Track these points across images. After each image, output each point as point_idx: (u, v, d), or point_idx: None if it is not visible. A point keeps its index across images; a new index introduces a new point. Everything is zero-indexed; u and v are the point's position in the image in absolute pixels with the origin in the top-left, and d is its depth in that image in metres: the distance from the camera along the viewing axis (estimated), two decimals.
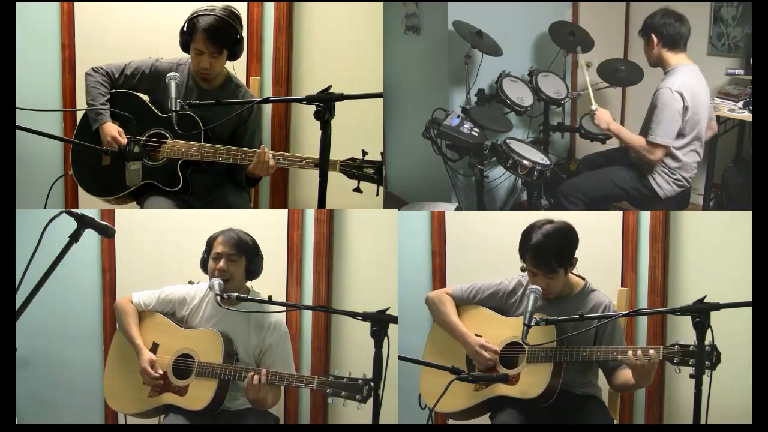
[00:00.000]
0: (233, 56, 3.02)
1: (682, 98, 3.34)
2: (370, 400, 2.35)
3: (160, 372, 2.81)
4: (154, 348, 2.87)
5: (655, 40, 3.42)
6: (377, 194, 2.77)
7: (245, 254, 2.83)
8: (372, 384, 2.29)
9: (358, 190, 2.74)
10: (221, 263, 2.80)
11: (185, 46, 2.98)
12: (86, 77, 3.09)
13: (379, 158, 2.79)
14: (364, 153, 2.67)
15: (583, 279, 2.75)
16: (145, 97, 3.11)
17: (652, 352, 2.45)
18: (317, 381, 2.60)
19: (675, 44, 3.42)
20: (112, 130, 3.01)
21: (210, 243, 2.86)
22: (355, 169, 2.79)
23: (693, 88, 3.38)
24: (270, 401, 2.77)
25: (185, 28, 2.95)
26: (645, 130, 3.47)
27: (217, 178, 3.14)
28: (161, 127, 3.03)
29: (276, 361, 2.82)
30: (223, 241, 2.82)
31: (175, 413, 2.80)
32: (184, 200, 3.11)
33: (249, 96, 3.12)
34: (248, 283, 2.91)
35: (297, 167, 2.96)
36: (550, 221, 2.66)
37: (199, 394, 2.75)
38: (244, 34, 3.09)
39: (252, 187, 3.19)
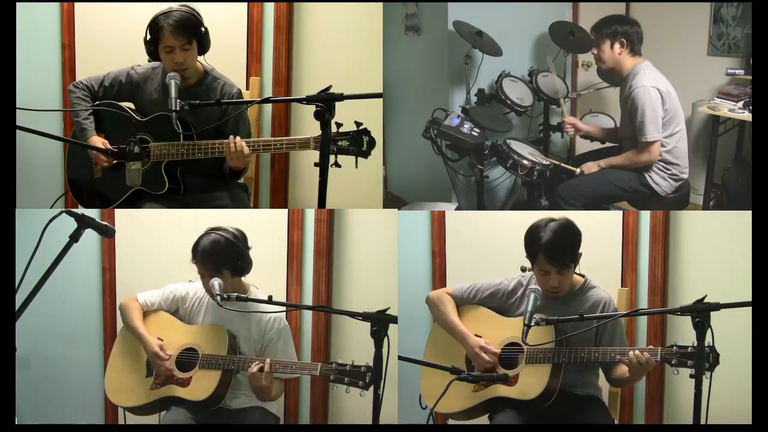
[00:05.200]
0: (202, 49, 3.02)
1: (659, 91, 3.46)
2: (371, 392, 2.34)
3: (170, 353, 2.83)
4: None
5: (625, 43, 3.55)
6: (356, 166, 2.69)
7: (222, 263, 2.78)
8: (374, 371, 2.31)
9: (336, 164, 2.62)
10: (204, 279, 2.81)
11: (153, 53, 2.99)
12: (68, 94, 3.12)
13: (354, 127, 2.69)
14: (338, 125, 2.60)
15: (583, 276, 2.76)
16: (132, 105, 3.12)
17: (646, 354, 2.46)
18: (320, 368, 2.61)
19: (638, 50, 3.58)
20: (97, 142, 3.03)
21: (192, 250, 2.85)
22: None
23: (661, 80, 3.53)
24: (274, 393, 2.79)
25: (148, 35, 2.96)
26: (628, 132, 3.59)
27: (215, 179, 3.14)
28: (143, 132, 3.04)
29: (277, 355, 2.83)
30: (199, 250, 2.80)
31: (176, 406, 2.81)
32: (180, 201, 3.11)
33: (228, 85, 3.10)
34: (246, 282, 2.92)
35: (274, 151, 2.94)
36: (552, 219, 2.67)
37: (202, 385, 2.77)
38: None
39: (236, 179, 3.17)
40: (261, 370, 2.67)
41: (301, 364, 2.73)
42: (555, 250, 2.61)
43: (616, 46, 3.55)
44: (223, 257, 2.77)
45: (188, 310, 2.96)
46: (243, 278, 2.89)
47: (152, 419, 3.01)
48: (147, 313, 2.98)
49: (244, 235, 2.87)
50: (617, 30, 3.56)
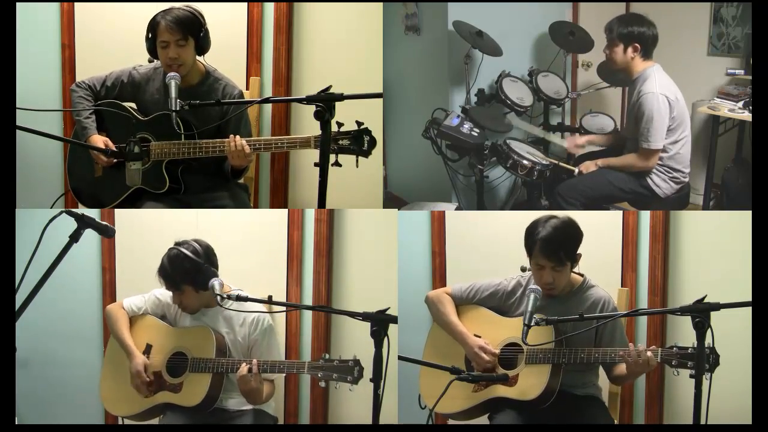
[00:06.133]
0: (200, 49, 3.01)
1: (667, 99, 3.43)
2: (370, 392, 2.34)
3: (150, 377, 2.84)
4: (147, 349, 2.90)
5: (639, 48, 3.50)
6: (357, 165, 2.69)
7: (181, 280, 2.79)
8: (362, 365, 2.36)
9: (336, 164, 2.62)
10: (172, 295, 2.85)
11: (152, 50, 3.00)
12: (71, 93, 3.13)
13: (354, 127, 2.70)
14: (339, 125, 2.60)
15: (582, 275, 2.76)
16: (134, 105, 3.13)
17: (649, 354, 2.45)
18: (308, 365, 2.61)
19: (650, 53, 3.53)
20: (98, 141, 3.03)
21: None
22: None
23: (670, 86, 3.49)
24: (264, 395, 2.79)
25: (148, 33, 2.97)
26: (632, 134, 3.57)
27: (215, 179, 3.14)
28: (144, 131, 3.04)
29: (263, 355, 2.83)
30: (159, 267, 2.81)
31: (172, 412, 2.82)
32: (180, 200, 3.12)
33: (230, 86, 3.10)
34: (228, 286, 2.89)
35: (275, 150, 2.93)
36: (554, 216, 2.67)
37: (193, 390, 2.77)
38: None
39: (237, 179, 3.17)
40: (249, 371, 2.66)
41: (289, 363, 2.72)
42: (551, 244, 2.61)
43: (629, 50, 3.50)
44: (182, 274, 2.76)
45: (174, 315, 2.96)
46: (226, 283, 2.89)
47: (151, 422, 3.01)
48: (134, 318, 2.99)
49: (209, 250, 2.83)
50: (633, 32, 3.48)
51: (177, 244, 2.81)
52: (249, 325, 2.85)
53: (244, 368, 2.66)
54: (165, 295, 2.97)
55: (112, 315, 2.99)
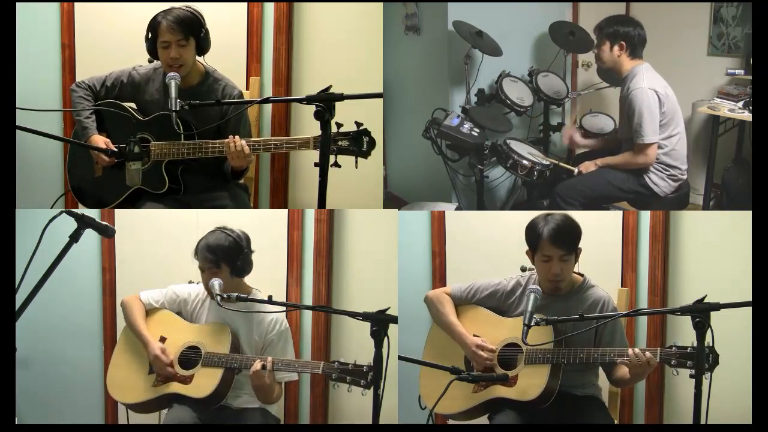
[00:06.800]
0: (201, 49, 3.02)
1: (656, 93, 3.46)
2: (371, 392, 2.36)
3: (171, 358, 2.86)
4: (161, 341, 2.92)
5: (625, 46, 3.55)
6: (356, 167, 2.70)
7: (222, 258, 2.82)
8: (374, 371, 2.32)
9: (336, 164, 2.63)
10: (204, 274, 2.84)
11: (152, 50, 3.00)
12: (71, 93, 3.14)
13: (354, 128, 2.70)
14: (339, 125, 2.60)
15: (582, 275, 2.76)
16: (134, 105, 3.13)
17: (648, 354, 2.45)
18: (323, 366, 2.63)
19: (638, 52, 3.58)
20: (98, 141, 3.03)
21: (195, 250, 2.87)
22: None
23: (659, 82, 3.53)
24: (275, 394, 2.81)
25: (148, 33, 2.97)
26: (627, 134, 3.58)
27: (214, 180, 3.14)
28: (143, 131, 3.04)
29: (277, 356, 2.83)
30: (202, 244, 2.84)
31: (179, 403, 2.83)
32: (180, 201, 3.12)
33: (230, 87, 3.10)
34: (249, 285, 2.94)
35: (275, 151, 2.93)
36: (551, 213, 2.68)
37: (204, 382, 2.79)
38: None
39: (237, 179, 3.18)
40: (263, 368, 2.68)
41: (303, 362, 2.75)
42: (558, 234, 2.62)
43: (615, 48, 3.56)
44: (224, 253, 2.81)
45: (191, 312, 2.98)
46: (245, 281, 2.91)
47: (153, 418, 3.02)
48: (150, 311, 3.01)
49: (248, 238, 2.91)
50: (618, 31, 3.56)
51: (219, 228, 2.88)
52: (267, 324, 2.87)
53: (258, 364, 2.68)
54: (182, 291, 3.00)
55: (128, 305, 3.01)
